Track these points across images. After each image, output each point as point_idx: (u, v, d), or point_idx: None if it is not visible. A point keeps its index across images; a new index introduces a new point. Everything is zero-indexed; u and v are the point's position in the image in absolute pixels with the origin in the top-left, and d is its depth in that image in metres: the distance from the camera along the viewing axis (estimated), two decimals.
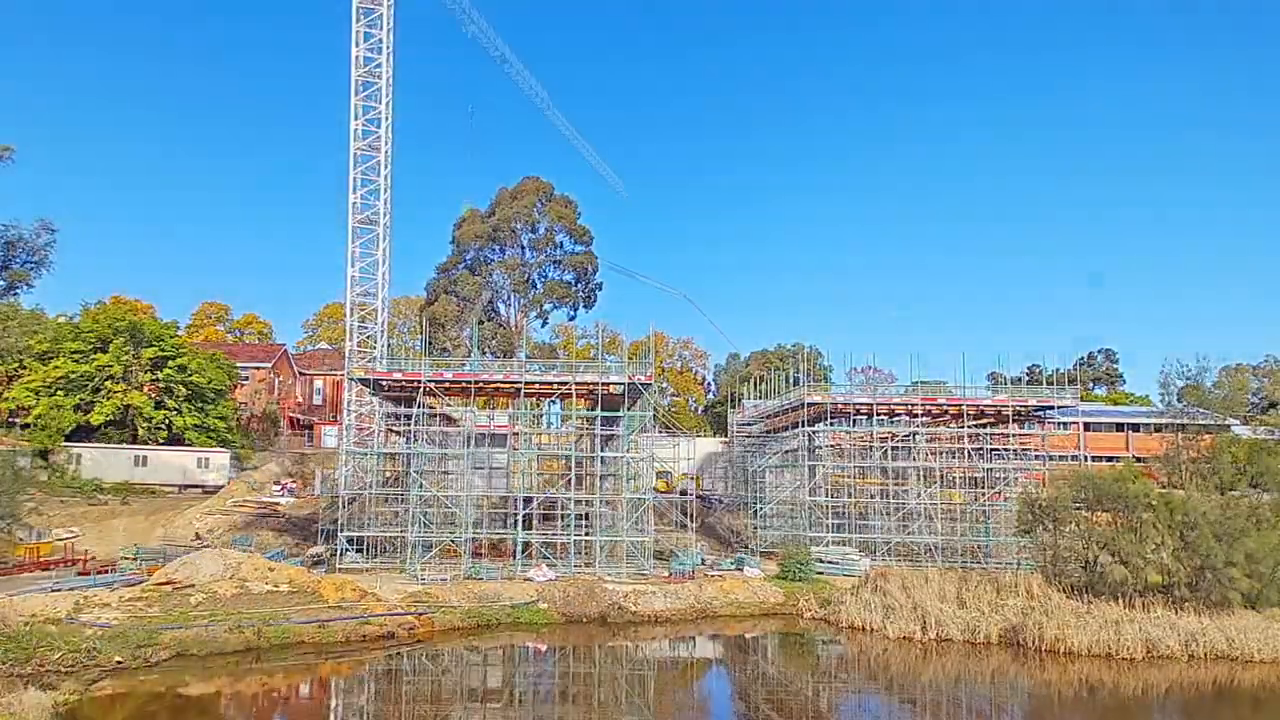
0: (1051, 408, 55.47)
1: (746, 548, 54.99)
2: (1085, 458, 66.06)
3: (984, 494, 55.67)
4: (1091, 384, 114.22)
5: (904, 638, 37.18)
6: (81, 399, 60.74)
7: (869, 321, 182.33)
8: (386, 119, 62.48)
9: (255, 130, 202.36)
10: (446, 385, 48.99)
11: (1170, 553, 37.28)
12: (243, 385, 76.70)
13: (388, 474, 54.29)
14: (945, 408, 54.60)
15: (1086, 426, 79.07)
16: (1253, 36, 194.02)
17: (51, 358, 61.12)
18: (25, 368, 60.82)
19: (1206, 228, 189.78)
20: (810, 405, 53.67)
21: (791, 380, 62.43)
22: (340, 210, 62.81)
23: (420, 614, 37.13)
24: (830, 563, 48.59)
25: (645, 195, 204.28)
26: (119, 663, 29.17)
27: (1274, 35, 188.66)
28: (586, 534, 48.18)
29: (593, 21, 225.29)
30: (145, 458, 60.52)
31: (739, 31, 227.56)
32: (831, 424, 54.89)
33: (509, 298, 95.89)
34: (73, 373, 60.71)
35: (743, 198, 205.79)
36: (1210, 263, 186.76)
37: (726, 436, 75.81)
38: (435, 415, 50.63)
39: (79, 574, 40.00)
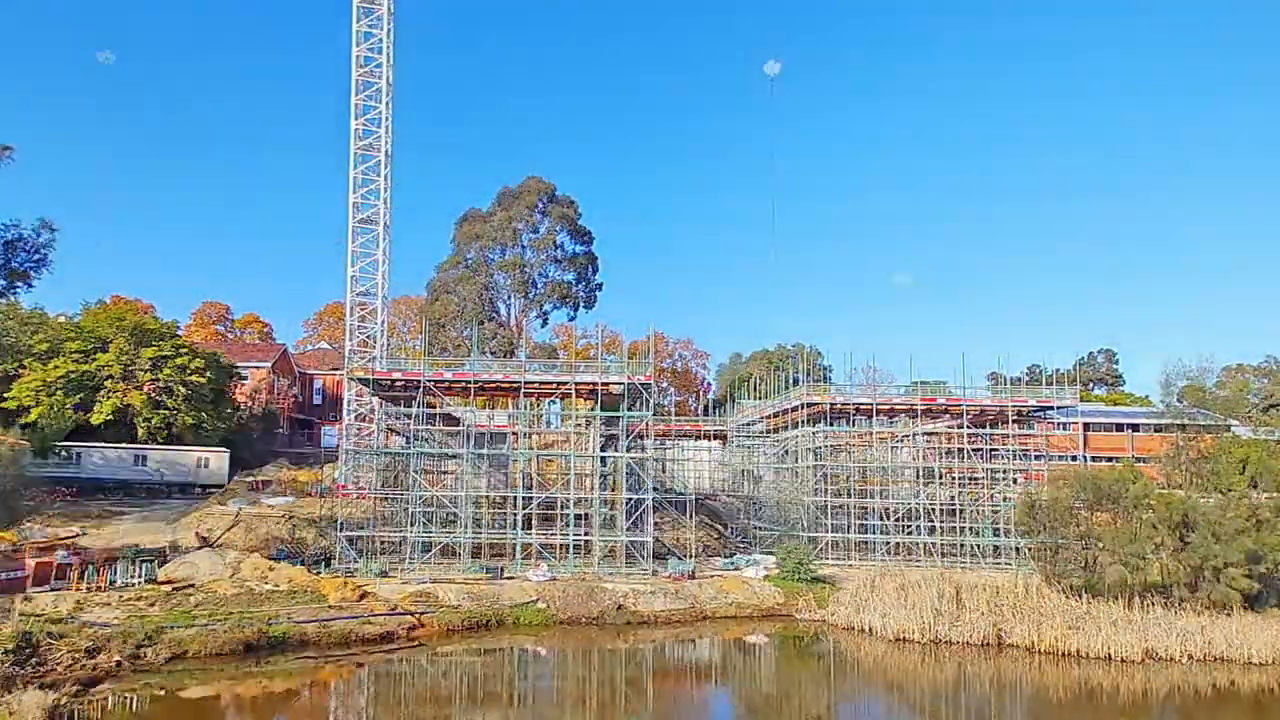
0: (1051, 408, 55.47)
1: (746, 548, 55.00)
2: (1085, 458, 66.11)
3: (984, 494, 55.67)
4: (1091, 384, 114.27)
5: (903, 639, 37.15)
6: (81, 399, 60.75)
7: (869, 322, 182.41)
8: (387, 118, 62.52)
9: (255, 129, 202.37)
10: (446, 385, 49.01)
11: (1170, 553, 37.30)
12: (243, 385, 76.62)
13: (388, 474, 54.30)
14: (945, 408, 54.59)
15: (1087, 426, 79.18)
16: (1253, 35, 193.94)
17: (51, 358, 61.12)
18: (25, 368, 60.80)
19: (1206, 228, 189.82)
20: (810, 405, 53.67)
21: (791, 380, 62.44)
22: (340, 210, 62.88)
23: (420, 614, 37.15)
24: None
25: (646, 194, 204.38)
26: (119, 663, 29.18)
27: (1275, 35, 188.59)
28: (586, 534, 48.17)
29: (596, 29, 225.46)
30: (145, 457, 60.50)
31: (739, 31, 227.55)
32: (831, 424, 54.88)
33: (509, 298, 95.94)
34: (73, 373, 60.72)
35: (742, 197, 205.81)
36: (1210, 263, 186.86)
37: (726, 436, 75.80)
38: (435, 415, 50.64)
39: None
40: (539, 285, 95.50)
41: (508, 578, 43.18)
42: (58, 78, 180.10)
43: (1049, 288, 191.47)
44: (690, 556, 49.58)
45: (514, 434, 54.05)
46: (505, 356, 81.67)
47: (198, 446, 62.79)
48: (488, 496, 51.33)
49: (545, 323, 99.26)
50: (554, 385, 49.44)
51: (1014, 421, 54.64)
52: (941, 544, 51.47)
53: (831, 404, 53.86)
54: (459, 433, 51.02)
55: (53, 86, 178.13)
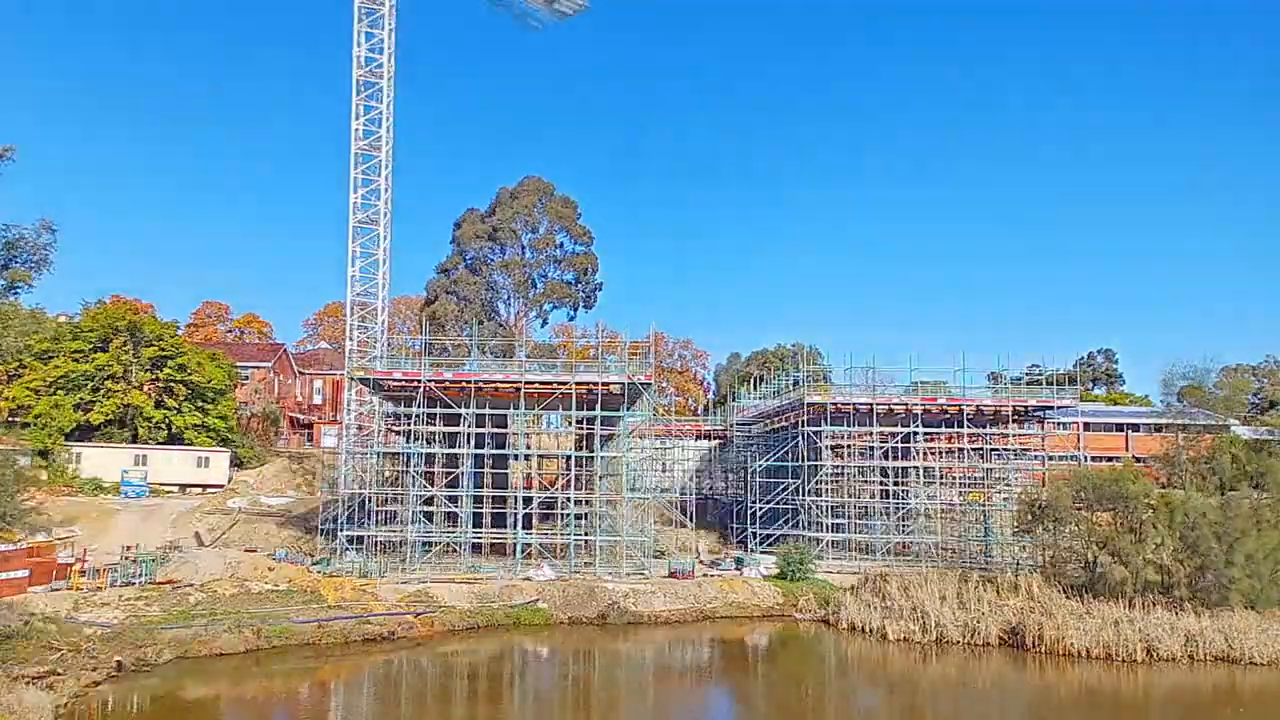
0: (1051, 408, 55.41)
1: (746, 548, 54.98)
2: (1085, 458, 66.00)
3: (984, 494, 55.62)
4: (1091, 384, 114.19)
5: (903, 639, 37.15)
6: (81, 398, 60.76)
7: (869, 322, 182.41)
8: (387, 119, 62.46)
9: (256, 129, 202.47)
10: (446, 385, 48.99)
11: (1170, 553, 37.28)
12: (243, 385, 76.60)
13: (388, 474, 54.29)
14: (945, 407, 54.55)
15: (1086, 426, 78.92)
16: (1254, 37, 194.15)
17: (51, 357, 61.11)
18: (25, 367, 60.78)
19: (1206, 228, 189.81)
20: (810, 405, 53.65)
21: (791, 380, 62.40)
22: (341, 210, 62.80)
23: (420, 614, 37.16)
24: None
25: (646, 195, 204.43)
26: (119, 663, 29.17)
27: (1275, 37, 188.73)
28: (586, 534, 48.16)
29: (595, 27, 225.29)
30: (145, 457, 60.49)
31: (736, 31, 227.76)
32: (831, 424, 54.83)
33: (509, 298, 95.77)
34: (73, 372, 60.72)
35: (744, 199, 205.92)
36: (1210, 263, 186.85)
37: (726, 436, 75.77)
38: (435, 415, 50.60)
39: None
40: (539, 285, 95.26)
41: (507, 577, 43.16)
42: (58, 77, 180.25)
43: (1049, 288, 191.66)
44: (691, 556, 49.54)
45: (513, 434, 53.97)
46: (505, 357, 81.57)
47: (198, 446, 62.80)
48: (488, 496, 51.28)
49: (545, 323, 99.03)
50: (554, 386, 49.44)
51: (1014, 421, 54.64)
52: (942, 543, 51.40)
53: (831, 404, 53.82)
54: (459, 433, 50.98)
55: (53, 86, 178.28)
